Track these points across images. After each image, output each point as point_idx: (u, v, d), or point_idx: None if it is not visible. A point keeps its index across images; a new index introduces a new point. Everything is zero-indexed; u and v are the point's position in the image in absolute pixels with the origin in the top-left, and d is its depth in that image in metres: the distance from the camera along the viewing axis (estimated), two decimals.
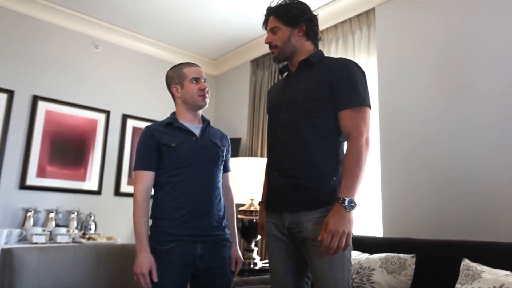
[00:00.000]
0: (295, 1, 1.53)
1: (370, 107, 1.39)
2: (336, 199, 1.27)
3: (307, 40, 1.52)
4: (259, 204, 1.69)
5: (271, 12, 1.53)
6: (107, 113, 3.50)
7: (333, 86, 1.39)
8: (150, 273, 1.50)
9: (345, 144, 1.41)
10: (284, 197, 1.41)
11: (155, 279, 1.50)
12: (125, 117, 3.62)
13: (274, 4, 1.54)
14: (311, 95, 1.41)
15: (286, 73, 1.61)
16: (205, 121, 1.78)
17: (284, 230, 1.41)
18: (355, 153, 1.31)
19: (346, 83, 1.38)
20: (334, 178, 1.36)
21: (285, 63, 1.59)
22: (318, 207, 1.33)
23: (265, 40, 1.55)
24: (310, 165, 1.37)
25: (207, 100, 1.73)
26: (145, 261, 1.50)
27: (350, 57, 2.79)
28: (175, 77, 1.74)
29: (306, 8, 1.52)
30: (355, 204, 1.26)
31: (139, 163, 1.65)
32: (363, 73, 1.44)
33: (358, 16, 2.88)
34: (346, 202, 1.24)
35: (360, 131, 1.33)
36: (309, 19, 1.51)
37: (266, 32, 1.58)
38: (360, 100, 1.36)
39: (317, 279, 1.31)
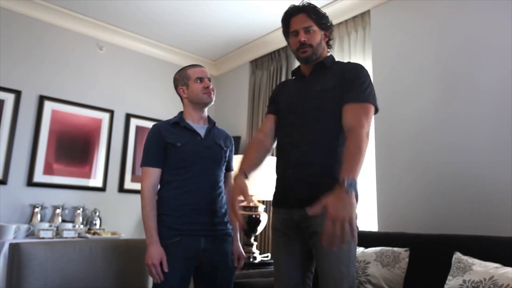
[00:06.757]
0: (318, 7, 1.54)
1: (375, 107, 1.41)
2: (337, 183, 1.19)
3: (326, 45, 1.57)
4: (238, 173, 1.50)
5: (304, 10, 1.50)
6: (111, 112, 3.55)
7: (343, 86, 1.43)
8: (161, 264, 1.54)
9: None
10: (298, 194, 1.42)
11: (166, 270, 1.54)
12: (128, 116, 3.66)
13: (305, 2, 1.52)
14: (328, 95, 1.44)
15: (296, 75, 1.61)
16: (210, 122, 1.82)
17: (292, 225, 1.43)
18: (356, 141, 1.28)
19: (353, 82, 1.42)
20: None
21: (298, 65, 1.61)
22: None
23: (300, 37, 1.48)
24: (325, 164, 1.40)
25: (213, 97, 1.77)
26: (156, 253, 1.54)
27: (346, 58, 2.84)
28: (181, 78, 1.79)
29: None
30: (355, 183, 1.17)
31: (147, 160, 1.69)
32: (368, 74, 1.48)
33: (354, 18, 2.91)
34: (346, 183, 1.14)
35: (362, 124, 1.33)
36: (332, 27, 1.56)
37: (283, 27, 1.55)
38: (365, 97, 1.39)
39: (323, 271, 1.33)
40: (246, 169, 1.48)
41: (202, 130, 1.75)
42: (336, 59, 1.61)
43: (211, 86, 1.76)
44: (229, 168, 1.87)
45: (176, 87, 1.81)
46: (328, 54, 1.58)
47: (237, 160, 2.88)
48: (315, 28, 1.49)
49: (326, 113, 1.43)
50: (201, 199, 1.66)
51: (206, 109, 1.81)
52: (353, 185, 1.16)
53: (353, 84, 1.42)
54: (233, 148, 1.90)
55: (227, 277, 1.70)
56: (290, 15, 1.53)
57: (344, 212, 1.10)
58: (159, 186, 1.71)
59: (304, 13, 1.49)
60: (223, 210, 1.73)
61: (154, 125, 1.75)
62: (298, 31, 1.50)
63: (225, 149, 1.79)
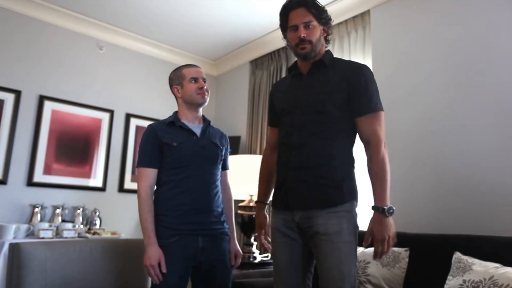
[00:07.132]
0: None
1: (383, 110, 1.43)
2: (374, 208, 1.34)
3: (324, 41, 1.53)
4: (257, 203, 1.69)
5: (304, 3, 1.45)
6: (111, 112, 3.55)
7: (350, 92, 1.41)
8: (159, 265, 1.55)
9: (355, 145, 1.47)
10: (298, 196, 1.42)
11: (164, 270, 1.54)
12: (128, 116, 3.67)
13: None
14: (330, 98, 1.42)
15: (293, 73, 1.57)
16: (205, 121, 1.82)
17: (292, 226, 1.43)
18: (381, 161, 1.37)
19: (364, 90, 1.41)
20: (348, 178, 1.41)
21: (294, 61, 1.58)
22: (331, 205, 1.36)
23: (299, 33, 1.43)
24: (326, 166, 1.40)
25: (207, 97, 1.76)
26: (154, 254, 1.55)
27: (345, 57, 2.82)
28: (176, 78, 1.79)
29: None
30: (393, 209, 1.33)
31: (143, 161, 1.69)
32: (373, 76, 1.46)
33: (354, 18, 2.92)
34: (386, 210, 1.31)
35: (379, 138, 1.38)
36: (331, 21, 1.52)
37: (281, 21, 1.52)
38: (375, 106, 1.41)
39: (324, 271, 1.34)
40: (264, 199, 1.67)
41: (198, 130, 1.76)
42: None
43: (205, 87, 1.76)
44: (225, 167, 1.87)
45: (171, 87, 1.82)
46: (326, 49, 1.55)
47: (235, 160, 2.86)
48: (314, 23, 1.44)
49: (326, 116, 1.42)
50: (198, 199, 1.66)
51: (200, 109, 1.80)
52: (392, 211, 1.33)
53: (362, 94, 1.41)
54: (229, 147, 1.90)
55: (225, 276, 1.71)
56: (289, 8, 1.48)
57: (387, 233, 1.30)
58: (155, 187, 1.71)
59: (304, 7, 1.44)
60: (220, 209, 1.74)
61: (149, 125, 1.75)
62: (297, 26, 1.45)
63: (221, 147, 1.79)
